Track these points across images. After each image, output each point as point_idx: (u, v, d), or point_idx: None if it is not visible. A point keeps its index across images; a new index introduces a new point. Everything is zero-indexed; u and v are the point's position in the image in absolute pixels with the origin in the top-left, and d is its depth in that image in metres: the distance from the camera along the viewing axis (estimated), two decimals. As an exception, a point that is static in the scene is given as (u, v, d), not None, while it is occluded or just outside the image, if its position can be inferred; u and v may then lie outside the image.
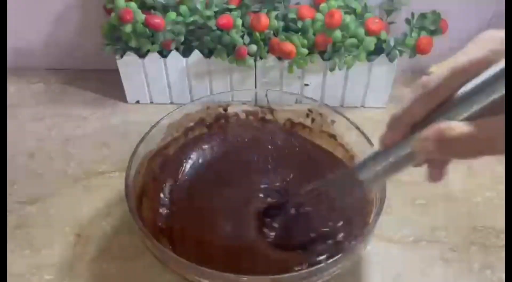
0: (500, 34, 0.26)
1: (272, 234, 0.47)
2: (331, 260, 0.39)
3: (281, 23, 0.63)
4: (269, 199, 0.50)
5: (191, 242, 0.47)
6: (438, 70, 0.28)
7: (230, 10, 0.63)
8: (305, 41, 0.61)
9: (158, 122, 0.51)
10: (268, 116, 0.58)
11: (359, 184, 0.36)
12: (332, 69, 0.62)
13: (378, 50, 0.63)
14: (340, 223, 0.48)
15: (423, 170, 0.60)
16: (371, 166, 0.35)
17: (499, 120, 0.25)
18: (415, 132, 0.30)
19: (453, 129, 0.26)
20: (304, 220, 0.48)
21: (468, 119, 0.27)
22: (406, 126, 0.31)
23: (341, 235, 0.47)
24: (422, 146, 0.28)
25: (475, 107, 0.27)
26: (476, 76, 0.27)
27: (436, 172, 0.33)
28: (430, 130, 0.27)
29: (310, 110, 0.56)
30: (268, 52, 0.63)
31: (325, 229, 0.48)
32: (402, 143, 0.31)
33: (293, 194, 0.47)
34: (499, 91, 0.26)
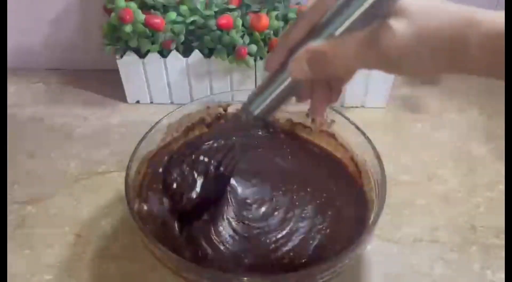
0: None
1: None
2: (331, 260, 0.39)
3: (281, 23, 0.63)
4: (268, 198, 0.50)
5: (191, 241, 0.47)
6: None
7: (230, 10, 0.63)
8: (305, 41, 0.61)
9: (158, 122, 0.51)
10: (268, 116, 0.58)
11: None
12: (332, 69, 0.62)
13: (378, 50, 0.63)
14: (340, 223, 0.48)
15: (423, 170, 0.60)
16: (260, 97, 0.36)
17: (349, 36, 0.29)
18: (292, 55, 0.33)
19: (314, 47, 0.30)
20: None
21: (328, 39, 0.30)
22: (286, 49, 0.33)
23: (341, 235, 0.47)
24: (296, 67, 0.32)
25: (335, 26, 0.30)
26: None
27: (318, 107, 0.36)
28: (300, 52, 0.31)
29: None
30: (268, 52, 0.63)
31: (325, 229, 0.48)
32: (283, 69, 0.34)
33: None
34: (355, 10, 0.29)
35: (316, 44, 0.31)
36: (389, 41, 0.27)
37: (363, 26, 0.29)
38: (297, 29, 0.32)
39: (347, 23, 0.30)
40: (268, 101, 0.36)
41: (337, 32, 0.30)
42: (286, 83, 0.34)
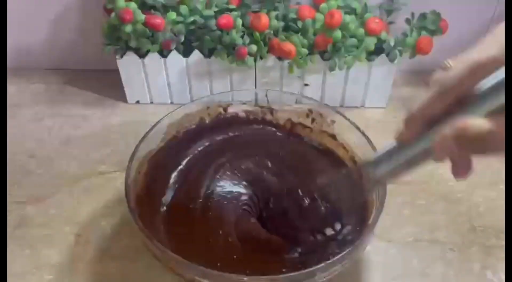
0: None
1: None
2: (331, 260, 0.39)
3: (281, 23, 0.63)
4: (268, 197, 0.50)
5: (192, 241, 0.47)
6: (455, 65, 0.28)
7: (230, 10, 0.63)
8: (305, 41, 0.61)
9: (158, 122, 0.51)
10: (268, 117, 0.58)
11: (360, 185, 0.36)
12: (332, 69, 0.62)
13: (378, 50, 0.63)
14: (340, 223, 0.48)
15: (423, 170, 0.59)
16: (386, 162, 0.34)
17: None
18: (432, 129, 0.30)
19: (473, 126, 0.26)
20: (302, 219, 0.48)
21: (487, 116, 0.26)
22: (422, 123, 0.30)
23: (341, 235, 0.47)
24: (441, 144, 0.28)
25: (495, 105, 0.26)
26: (493, 72, 0.26)
27: (461, 168, 0.33)
28: (449, 128, 0.27)
29: (310, 110, 0.56)
30: (268, 52, 0.63)
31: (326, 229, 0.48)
32: (419, 139, 0.31)
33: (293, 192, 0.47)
34: None
35: (473, 121, 0.26)
36: None
37: None
38: (438, 101, 0.29)
39: (502, 102, 0.26)
40: (394, 168, 0.34)
41: (485, 112, 0.27)
42: (418, 154, 0.32)
